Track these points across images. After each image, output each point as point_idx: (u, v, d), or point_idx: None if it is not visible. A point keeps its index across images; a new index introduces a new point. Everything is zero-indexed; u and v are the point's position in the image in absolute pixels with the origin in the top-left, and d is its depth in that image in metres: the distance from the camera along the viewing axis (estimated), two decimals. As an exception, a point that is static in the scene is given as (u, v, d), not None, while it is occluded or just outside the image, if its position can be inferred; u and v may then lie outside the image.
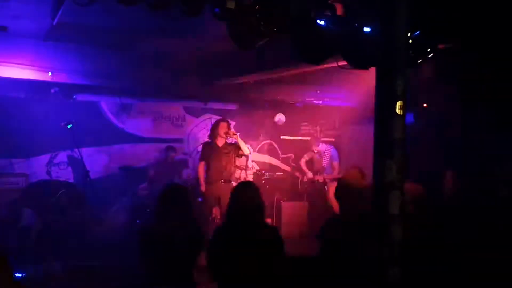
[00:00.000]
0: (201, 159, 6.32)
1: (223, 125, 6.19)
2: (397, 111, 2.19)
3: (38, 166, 7.10)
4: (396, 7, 2.32)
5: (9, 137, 6.60)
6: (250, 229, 3.06)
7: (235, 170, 6.67)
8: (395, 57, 2.27)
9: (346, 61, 3.96)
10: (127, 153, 7.88)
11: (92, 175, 6.50)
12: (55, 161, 7.27)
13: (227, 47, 4.54)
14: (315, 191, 7.69)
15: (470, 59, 4.67)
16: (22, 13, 4.53)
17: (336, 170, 7.55)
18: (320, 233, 3.45)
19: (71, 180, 7.31)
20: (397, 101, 2.19)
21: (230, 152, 6.20)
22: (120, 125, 7.86)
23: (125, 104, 7.85)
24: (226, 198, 3.52)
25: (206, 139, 6.44)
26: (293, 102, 8.49)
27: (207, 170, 6.19)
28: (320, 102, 8.41)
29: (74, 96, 7.22)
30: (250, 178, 7.89)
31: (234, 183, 6.00)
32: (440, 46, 4.04)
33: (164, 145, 7.88)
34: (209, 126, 6.67)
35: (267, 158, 9.10)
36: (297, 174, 8.20)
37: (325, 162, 7.64)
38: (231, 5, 3.28)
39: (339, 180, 3.54)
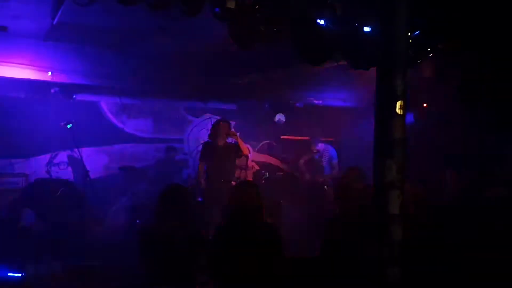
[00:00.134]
0: (201, 159, 6.31)
1: (223, 125, 6.19)
2: (397, 111, 2.19)
3: (38, 166, 7.11)
4: (396, 7, 2.32)
5: (9, 137, 6.60)
6: (250, 229, 3.06)
7: (235, 170, 6.66)
8: (395, 57, 2.27)
9: (346, 61, 3.96)
10: (127, 153, 7.89)
11: (92, 175, 6.49)
12: (55, 161, 7.27)
13: (227, 47, 4.55)
14: (315, 191, 7.69)
15: (470, 59, 4.67)
16: (22, 13, 4.54)
17: (336, 170, 7.54)
18: (320, 233, 3.46)
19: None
20: (397, 101, 2.19)
21: (230, 152, 6.19)
22: (120, 125, 7.86)
23: (125, 104, 7.85)
24: (226, 198, 3.52)
25: (206, 139, 6.43)
26: (293, 102, 8.48)
27: (207, 170, 6.19)
28: (320, 102, 8.41)
29: (74, 96, 7.22)
30: (250, 178, 7.89)
31: (234, 183, 6.00)
32: (440, 46, 4.04)
33: (164, 145, 7.88)
34: (209, 126, 6.66)
35: (267, 158, 9.10)
36: (296, 174, 8.20)
37: (324, 162, 7.63)
38: (231, 4, 3.28)
39: (338, 181, 3.54)
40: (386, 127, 2.24)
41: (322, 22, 3.50)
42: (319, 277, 3.13)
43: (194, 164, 8.14)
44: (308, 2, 3.48)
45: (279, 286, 2.97)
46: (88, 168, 6.32)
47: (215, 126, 6.27)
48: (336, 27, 3.56)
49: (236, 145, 6.20)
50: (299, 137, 8.96)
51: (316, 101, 8.37)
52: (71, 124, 6.15)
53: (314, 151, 7.74)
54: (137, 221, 6.72)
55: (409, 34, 2.94)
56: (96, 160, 7.56)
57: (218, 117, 7.67)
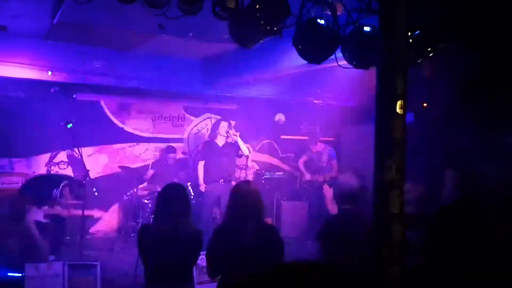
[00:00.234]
0: (201, 158, 6.32)
1: (223, 124, 6.20)
2: (398, 110, 2.18)
3: (38, 166, 7.11)
4: (396, 7, 2.32)
5: (9, 136, 6.60)
6: (249, 229, 3.06)
7: (235, 169, 6.67)
8: (395, 57, 2.27)
9: (346, 61, 3.96)
10: (127, 153, 7.89)
11: (92, 175, 6.50)
12: (55, 160, 7.28)
13: (227, 46, 4.55)
14: (315, 190, 7.69)
15: (470, 59, 4.67)
16: (22, 13, 4.54)
17: (335, 169, 7.56)
18: (319, 233, 3.46)
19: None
20: (398, 100, 2.19)
21: (230, 152, 6.20)
22: (120, 125, 7.86)
23: (125, 103, 7.85)
24: (225, 197, 3.52)
25: (206, 139, 6.44)
26: (293, 102, 8.49)
27: (207, 169, 6.19)
28: (320, 102, 8.41)
29: (74, 96, 7.22)
30: (250, 177, 7.89)
31: (234, 183, 6.00)
32: (440, 46, 4.04)
33: (164, 145, 7.88)
34: (209, 126, 6.68)
35: (267, 158, 9.10)
36: (296, 173, 8.21)
37: (323, 162, 7.65)
38: (231, 4, 3.27)
39: (335, 183, 3.56)
40: (386, 126, 2.24)
41: (322, 21, 3.50)
42: (319, 277, 3.13)
43: (194, 163, 8.15)
44: (308, 2, 3.48)
45: (279, 286, 2.97)
46: (88, 167, 6.32)
47: (216, 126, 6.28)
48: (336, 26, 3.57)
49: (236, 145, 6.21)
50: (299, 137, 8.97)
51: (316, 101, 8.37)
52: (71, 124, 6.14)
53: (313, 150, 7.75)
54: (137, 220, 6.73)
55: (409, 34, 2.94)
56: (96, 159, 7.57)
57: (218, 117, 7.68)
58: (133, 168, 7.56)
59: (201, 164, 6.30)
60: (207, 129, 8.33)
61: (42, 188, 6.00)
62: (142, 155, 7.97)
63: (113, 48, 5.94)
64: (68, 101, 7.06)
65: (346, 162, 8.25)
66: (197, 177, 6.50)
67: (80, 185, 5.93)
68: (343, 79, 6.77)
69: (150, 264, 3.21)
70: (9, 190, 6.26)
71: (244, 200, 3.13)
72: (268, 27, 3.35)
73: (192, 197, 6.58)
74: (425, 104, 6.79)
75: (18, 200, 5.11)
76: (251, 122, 8.69)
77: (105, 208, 7.28)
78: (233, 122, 7.19)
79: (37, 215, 4.95)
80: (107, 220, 7.48)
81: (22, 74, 6.00)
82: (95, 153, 7.60)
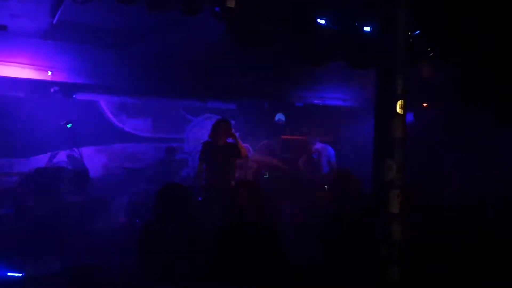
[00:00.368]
0: (201, 158, 6.30)
1: (223, 124, 6.18)
2: (398, 110, 2.19)
3: (38, 165, 7.10)
4: (396, 7, 2.32)
5: (9, 136, 6.59)
6: (250, 229, 3.06)
7: (235, 169, 6.66)
8: (395, 57, 2.27)
9: (347, 61, 3.96)
10: (127, 153, 7.89)
11: (92, 175, 6.49)
12: (55, 160, 7.27)
13: (227, 46, 4.54)
14: (315, 190, 7.69)
15: (470, 59, 4.67)
16: (21, 12, 4.53)
17: (334, 169, 7.56)
18: (318, 232, 3.46)
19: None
20: (398, 100, 2.19)
21: (230, 152, 6.19)
22: (120, 125, 7.85)
23: (125, 103, 7.85)
24: (226, 198, 3.52)
25: (206, 139, 6.43)
26: (293, 102, 8.48)
27: (207, 169, 6.18)
28: (320, 102, 8.41)
29: (74, 95, 7.21)
30: (250, 178, 7.88)
31: (234, 183, 6.00)
32: (440, 46, 4.04)
33: (163, 145, 7.88)
34: (209, 126, 6.66)
35: (266, 158, 9.10)
36: (296, 173, 8.20)
37: (323, 162, 7.65)
38: (231, 4, 3.27)
39: (332, 184, 3.57)
40: (386, 126, 2.24)
41: (322, 21, 3.50)
42: (319, 277, 3.13)
43: (194, 163, 8.14)
44: (308, 2, 3.48)
45: (279, 286, 2.97)
46: (87, 167, 6.32)
47: (215, 126, 6.26)
48: (336, 27, 3.57)
49: (236, 145, 6.20)
50: (299, 137, 8.96)
51: (316, 101, 8.37)
52: (71, 124, 6.15)
53: (313, 150, 7.75)
54: (137, 220, 6.72)
55: (409, 34, 2.94)
56: (95, 159, 7.56)
57: (218, 117, 7.67)
58: (133, 168, 7.56)
59: (201, 164, 6.29)
60: (207, 129, 8.31)
61: (45, 180, 5.95)
62: (142, 155, 7.97)
63: (113, 47, 5.93)
64: (68, 101, 7.05)
65: (346, 162, 8.25)
66: (197, 177, 6.49)
67: (82, 176, 5.89)
68: (343, 79, 6.78)
69: (150, 264, 3.20)
70: (9, 190, 6.25)
71: (245, 200, 3.13)
72: (268, 27, 3.35)
73: (191, 196, 6.57)
74: (425, 104, 6.79)
75: (21, 193, 5.10)
76: (251, 122, 8.69)
77: (105, 208, 7.27)
78: (232, 122, 7.18)
79: (42, 208, 4.94)
80: (106, 220, 7.46)
81: (22, 74, 5.99)
82: (94, 153, 7.59)
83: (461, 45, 4.17)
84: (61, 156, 7.32)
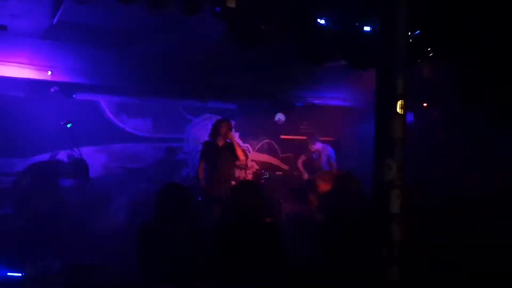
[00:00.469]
0: (201, 158, 6.31)
1: (223, 124, 6.17)
2: (398, 110, 2.19)
3: (37, 165, 7.10)
4: (396, 7, 2.32)
5: (9, 136, 6.59)
6: (250, 229, 3.06)
7: (235, 169, 6.66)
8: (395, 57, 2.27)
9: (347, 61, 3.96)
10: (127, 153, 7.89)
11: (92, 175, 6.49)
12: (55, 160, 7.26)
13: (227, 46, 4.54)
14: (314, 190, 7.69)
15: (470, 59, 4.67)
16: (21, 12, 4.53)
17: (334, 169, 7.55)
18: (318, 232, 3.46)
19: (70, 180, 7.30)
20: (398, 100, 2.19)
21: (231, 152, 6.19)
22: (120, 125, 7.86)
23: (125, 103, 7.85)
24: (226, 198, 3.52)
25: (207, 139, 6.43)
26: (293, 102, 8.49)
27: (207, 169, 6.18)
28: (320, 101, 8.41)
29: (74, 95, 7.21)
30: (250, 177, 7.89)
31: (234, 183, 5.99)
32: (440, 46, 4.04)
33: (163, 145, 7.88)
34: (209, 126, 6.66)
35: (266, 158, 9.10)
36: (296, 173, 8.20)
37: (322, 161, 7.64)
38: (231, 4, 3.28)
39: (333, 184, 3.58)
40: (386, 126, 2.24)
41: (322, 21, 3.50)
42: (319, 277, 3.13)
43: (194, 163, 8.15)
44: (308, 2, 3.48)
45: (279, 286, 2.97)
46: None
47: (216, 126, 6.26)
48: (336, 26, 3.57)
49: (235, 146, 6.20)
50: (299, 137, 8.97)
51: (316, 101, 8.37)
52: (71, 124, 6.14)
53: (312, 150, 7.75)
54: (137, 220, 6.72)
55: (409, 34, 2.94)
56: (95, 159, 7.56)
57: (218, 117, 7.67)
58: (133, 168, 7.56)
59: (201, 164, 6.29)
60: (207, 129, 8.32)
61: (42, 171, 5.93)
62: (142, 155, 7.97)
63: (113, 47, 5.93)
64: (68, 101, 7.05)
65: (346, 162, 8.25)
66: (197, 177, 6.50)
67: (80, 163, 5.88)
68: (343, 79, 6.78)
69: (150, 264, 3.20)
70: (9, 190, 6.25)
71: (244, 201, 3.13)
72: (268, 27, 3.35)
73: (191, 196, 6.57)
74: (425, 104, 6.79)
75: (22, 188, 5.08)
76: (251, 122, 8.70)
77: (105, 208, 7.28)
78: (232, 122, 7.19)
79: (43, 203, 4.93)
80: (106, 220, 7.46)
81: (22, 73, 5.99)
82: (95, 153, 7.59)
83: (461, 45, 4.16)
84: (61, 156, 7.32)
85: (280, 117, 8.65)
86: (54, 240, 5.45)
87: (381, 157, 2.25)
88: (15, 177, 6.27)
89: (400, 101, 2.20)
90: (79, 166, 5.97)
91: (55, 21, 4.60)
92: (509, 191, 4.96)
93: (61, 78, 6.30)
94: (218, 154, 6.10)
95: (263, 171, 8.48)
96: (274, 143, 9.12)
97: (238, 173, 7.46)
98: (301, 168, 7.86)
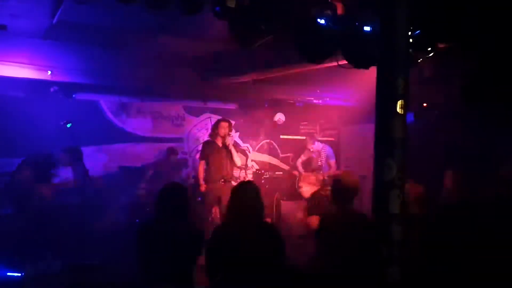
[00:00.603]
0: (201, 158, 6.31)
1: (223, 125, 6.18)
2: (398, 110, 2.19)
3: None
4: (396, 7, 2.32)
5: (9, 136, 6.59)
6: (250, 229, 3.06)
7: (234, 169, 6.66)
8: (395, 57, 2.27)
9: (347, 60, 3.95)
10: (127, 153, 7.88)
11: (92, 174, 6.49)
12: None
13: (227, 46, 4.54)
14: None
15: (470, 59, 4.67)
16: (21, 12, 4.53)
17: (333, 169, 7.56)
18: (318, 232, 3.46)
19: (70, 179, 7.29)
20: (398, 100, 2.19)
21: (230, 152, 6.19)
22: (120, 125, 7.85)
23: (125, 103, 7.85)
24: (226, 197, 3.52)
25: (206, 139, 6.43)
26: (293, 102, 8.48)
27: (207, 169, 6.18)
28: (320, 101, 8.41)
29: (74, 95, 7.21)
30: (249, 177, 7.89)
31: (233, 183, 5.99)
32: (440, 46, 4.04)
33: (163, 145, 7.88)
34: (209, 126, 6.67)
35: (266, 158, 9.10)
36: (295, 173, 8.20)
37: (321, 161, 7.65)
38: (231, 3, 3.27)
39: (332, 184, 3.58)
40: (386, 126, 2.24)
41: (322, 21, 3.50)
42: (318, 277, 3.13)
43: (194, 163, 8.14)
44: (308, 1, 3.48)
45: (279, 286, 2.97)
46: (87, 167, 6.31)
47: (215, 126, 6.27)
48: (336, 26, 3.56)
49: (236, 144, 6.20)
50: (299, 137, 8.97)
51: (316, 101, 8.37)
52: (70, 123, 6.13)
53: (311, 150, 7.75)
54: (137, 220, 6.72)
55: (409, 34, 2.94)
56: (95, 159, 7.55)
57: (218, 117, 7.67)
58: (133, 168, 7.56)
59: (201, 164, 6.29)
60: (207, 129, 8.32)
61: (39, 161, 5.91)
62: (142, 155, 7.96)
63: (112, 47, 5.93)
64: (68, 101, 7.04)
65: (346, 162, 8.25)
66: (196, 177, 6.50)
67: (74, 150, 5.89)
68: (343, 79, 6.77)
69: (150, 264, 3.20)
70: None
71: (245, 201, 3.13)
72: (268, 27, 3.35)
73: (191, 197, 6.57)
74: (425, 104, 6.79)
75: (22, 184, 5.06)
76: (251, 122, 8.69)
77: (104, 208, 7.27)
78: (232, 122, 7.18)
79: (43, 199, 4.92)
80: (106, 220, 7.46)
81: (22, 73, 5.99)
82: (94, 152, 7.59)
83: (461, 45, 4.16)
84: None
85: (280, 117, 8.65)
86: (54, 240, 5.45)
87: (381, 157, 2.25)
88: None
89: (400, 101, 2.20)
90: (74, 152, 5.97)
91: (55, 21, 4.60)
92: (509, 191, 4.95)
93: (61, 78, 6.30)
94: (218, 154, 6.11)
95: (263, 171, 8.48)
96: (274, 143, 9.12)
97: (238, 173, 7.46)
98: (300, 168, 7.86)
